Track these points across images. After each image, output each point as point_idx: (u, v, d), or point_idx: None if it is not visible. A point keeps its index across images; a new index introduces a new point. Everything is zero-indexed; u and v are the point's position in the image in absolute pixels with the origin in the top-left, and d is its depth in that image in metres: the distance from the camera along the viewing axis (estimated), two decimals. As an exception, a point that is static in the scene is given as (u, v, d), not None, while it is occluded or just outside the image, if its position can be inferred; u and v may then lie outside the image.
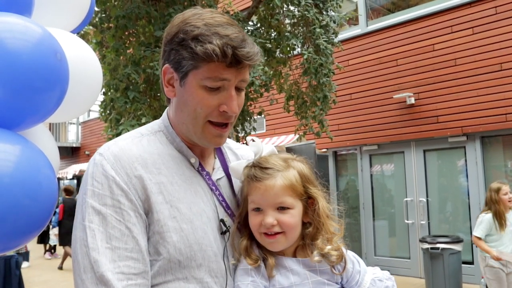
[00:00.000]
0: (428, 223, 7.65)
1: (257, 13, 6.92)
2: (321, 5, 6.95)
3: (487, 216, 4.69)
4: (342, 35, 8.56)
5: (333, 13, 7.19)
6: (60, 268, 9.74)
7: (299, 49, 7.15)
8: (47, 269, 9.97)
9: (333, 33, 7.07)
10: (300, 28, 7.05)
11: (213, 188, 1.12)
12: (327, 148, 8.90)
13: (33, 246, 11.43)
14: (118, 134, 4.94)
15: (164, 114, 1.18)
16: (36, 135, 1.86)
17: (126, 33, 5.78)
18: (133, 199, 0.99)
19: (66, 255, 9.76)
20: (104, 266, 0.92)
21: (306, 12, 6.57)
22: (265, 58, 6.69)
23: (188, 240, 1.01)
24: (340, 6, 7.18)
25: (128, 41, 5.88)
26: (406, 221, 7.85)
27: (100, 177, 0.99)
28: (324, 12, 7.02)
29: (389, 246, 8.28)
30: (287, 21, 7.15)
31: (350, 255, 1.16)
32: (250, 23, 6.96)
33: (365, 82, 8.42)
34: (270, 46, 6.76)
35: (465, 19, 7.26)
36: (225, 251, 1.07)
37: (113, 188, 0.98)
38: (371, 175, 8.53)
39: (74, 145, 18.29)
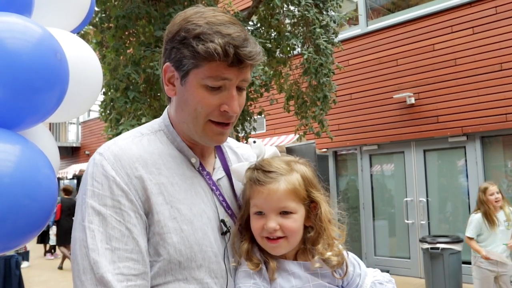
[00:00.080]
0: (428, 223, 7.65)
1: (257, 13, 6.92)
2: (321, 5, 6.94)
3: (476, 216, 4.75)
4: (342, 35, 8.56)
5: (333, 13, 7.19)
6: (60, 268, 9.74)
7: (299, 49, 7.15)
8: (47, 269, 9.96)
9: (333, 33, 7.06)
10: (300, 28, 7.05)
11: (214, 188, 1.11)
12: (327, 148, 8.90)
13: (33, 246, 11.43)
14: (118, 134, 4.93)
15: (165, 113, 1.17)
16: (36, 135, 1.86)
17: (126, 33, 5.77)
18: (133, 199, 0.98)
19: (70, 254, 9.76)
20: (104, 267, 0.91)
21: (306, 12, 6.56)
22: (265, 58, 6.69)
23: (189, 241, 1.00)
24: (340, 6, 7.18)
25: (128, 41, 5.88)
26: (406, 221, 7.85)
27: (100, 177, 0.98)
28: (324, 12, 7.01)
29: (389, 246, 8.28)
30: (287, 21, 7.15)
31: (351, 257, 1.15)
32: (250, 23, 6.95)
33: (365, 82, 8.42)
34: (270, 46, 6.75)
35: (465, 19, 7.26)
36: (225, 252, 1.06)
37: (113, 189, 0.97)
38: (371, 175, 8.53)
39: (74, 145, 18.30)
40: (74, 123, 18.61)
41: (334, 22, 7.13)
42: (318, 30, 6.56)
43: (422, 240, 6.13)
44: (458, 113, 7.20)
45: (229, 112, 1.04)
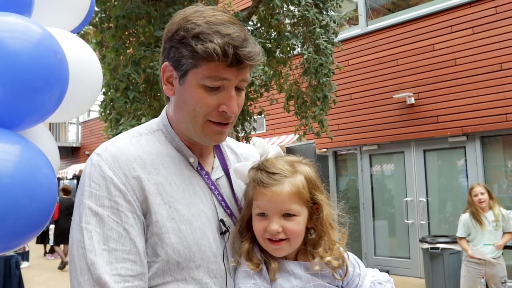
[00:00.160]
0: (428, 223, 7.65)
1: (257, 13, 6.92)
2: (321, 5, 6.94)
3: (464, 216, 4.86)
4: (342, 35, 8.56)
5: (333, 13, 7.19)
6: (60, 268, 9.74)
7: (299, 49, 7.15)
8: (47, 269, 9.96)
9: (333, 33, 7.07)
10: (300, 28, 7.05)
11: (213, 187, 1.10)
12: (327, 148, 8.90)
13: (33, 246, 11.43)
14: (118, 134, 4.93)
15: (163, 112, 1.16)
16: (36, 135, 1.86)
17: (126, 33, 5.77)
18: (131, 200, 0.97)
19: (65, 255, 9.76)
20: (101, 268, 0.91)
21: (306, 12, 6.56)
22: (265, 58, 6.69)
23: (187, 241, 0.99)
24: (340, 6, 7.18)
25: (128, 41, 5.88)
26: (406, 221, 7.85)
27: (97, 178, 0.98)
28: (324, 12, 7.02)
29: (389, 246, 8.28)
30: (287, 21, 7.15)
31: (351, 257, 1.15)
32: (250, 23, 6.95)
33: (365, 82, 8.42)
34: (270, 46, 6.75)
35: (465, 19, 7.26)
36: (224, 252, 1.06)
37: (110, 189, 0.97)
38: (371, 175, 8.53)
39: (74, 145, 18.30)
40: (74, 123, 18.61)
41: (334, 22, 7.13)
42: (318, 30, 6.56)
43: (422, 240, 6.13)
44: (458, 113, 7.20)
45: (228, 113, 1.03)
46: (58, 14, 2.11)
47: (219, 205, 1.10)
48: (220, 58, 0.96)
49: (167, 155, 1.07)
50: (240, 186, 1.18)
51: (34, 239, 9.44)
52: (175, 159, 1.08)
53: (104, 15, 5.86)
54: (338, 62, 7.41)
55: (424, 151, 7.75)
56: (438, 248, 5.78)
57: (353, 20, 8.92)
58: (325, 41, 6.61)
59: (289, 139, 8.88)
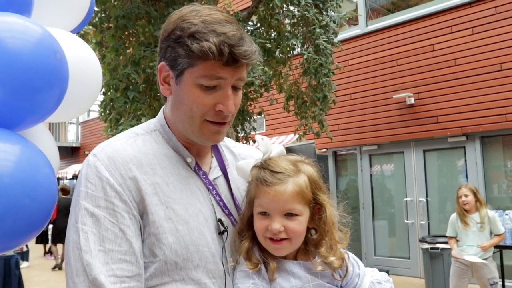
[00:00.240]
0: (428, 223, 7.65)
1: (257, 13, 6.91)
2: (321, 5, 6.94)
3: (452, 216, 4.99)
4: (342, 35, 8.57)
5: (333, 13, 7.19)
6: (60, 268, 9.73)
7: (299, 49, 7.15)
8: (47, 269, 9.96)
9: (333, 33, 7.06)
10: (300, 28, 7.05)
11: (210, 187, 1.10)
12: (327, 148, 8.90)
13: (33, 246, 11.43)
14: (117, 134, 4.93)
15: (160, 112, 1.16)
16: (36, 135, 1.86)
17: (126, 33, 5.77)
18: (127, 200, 0.97)
19: (64, 255, 9.77)
20: (97, 269, 0.90)
21: (306, 12, 6.56)
22: (265, 58, 6.69)
23: (184, 241, 0.99)
24: (340, 6, 7.18)
25: (128, 41, 5.88)
26: (406, 221, 7.85)
27: (93, 179, 0.97)
28: (324, 12, 7.01)
29: (389, 246, 8.28)
30: (287, 21, 7.15)
31: (350, 257, 1.15)
32: (250, 23, 6.95)
33: (365, 82, 8.42)
34: (270, 46, 6.75)
35: (465, 19, 7.26)
36: (223, 252, 1.06)
37: (107, 190, 0.96)
38: (371, 175, 8.53)
39: (74, 145, 18.29)
40: (74, 123, 18.61)
41: (334, 22, 7.13)
42: (318, 30, 6.56)
43: (422, 240, 6.13)
44: (458, 113, 7.21)
45: (225, 112, 1.03)
46: (58, 14, 2.11)
47: (217, 205, 1.10)
48: (215, 57, 0.96)
49: (164, 155, 1.07)
50: (238, 186, 1.18)
51: (34, 239, 9.44)
52: (172, 159, 1.08)
53: (104, 15, 5.86)
54: (338, 62, 7.41)
55: (424, 151, 7.76)
56: (437, 248, 5.79)
57: (353, 20, 8.92)
58: (325, 41, 6.61)
59: (289, 139, 8.88)
